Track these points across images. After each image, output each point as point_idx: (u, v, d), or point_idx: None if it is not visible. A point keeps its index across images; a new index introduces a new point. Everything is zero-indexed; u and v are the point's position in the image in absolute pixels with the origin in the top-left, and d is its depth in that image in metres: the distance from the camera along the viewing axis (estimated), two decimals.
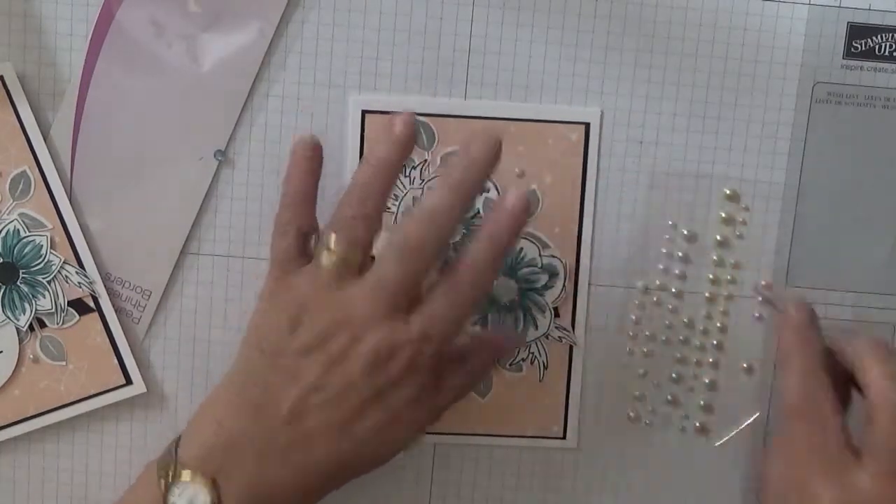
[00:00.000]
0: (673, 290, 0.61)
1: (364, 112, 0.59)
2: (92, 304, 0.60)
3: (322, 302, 0.52)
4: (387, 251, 0.52)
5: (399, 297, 0.52)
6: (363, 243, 0.53)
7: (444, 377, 0.54)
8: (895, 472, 0.49)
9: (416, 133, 0.54)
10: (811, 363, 0.52)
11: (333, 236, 0.53)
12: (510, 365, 0.61)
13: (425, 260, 0.52)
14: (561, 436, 0.62)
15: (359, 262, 0.53)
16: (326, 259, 0.53)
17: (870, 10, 0.59)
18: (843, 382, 0.53)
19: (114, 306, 0.60)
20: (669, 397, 0.62)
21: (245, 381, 0.54)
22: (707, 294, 0.61)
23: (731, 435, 0.59)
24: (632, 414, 0.61)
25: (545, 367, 0.61)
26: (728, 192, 0.60)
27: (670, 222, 0.60)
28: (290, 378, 0.52)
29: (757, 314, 0.61)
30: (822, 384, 0.52)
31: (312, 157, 0.55)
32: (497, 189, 0.59)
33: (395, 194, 0.59)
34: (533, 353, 0.61)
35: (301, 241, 0.55)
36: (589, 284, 0.60)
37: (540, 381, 0.61)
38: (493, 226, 0.52)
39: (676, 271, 0.61)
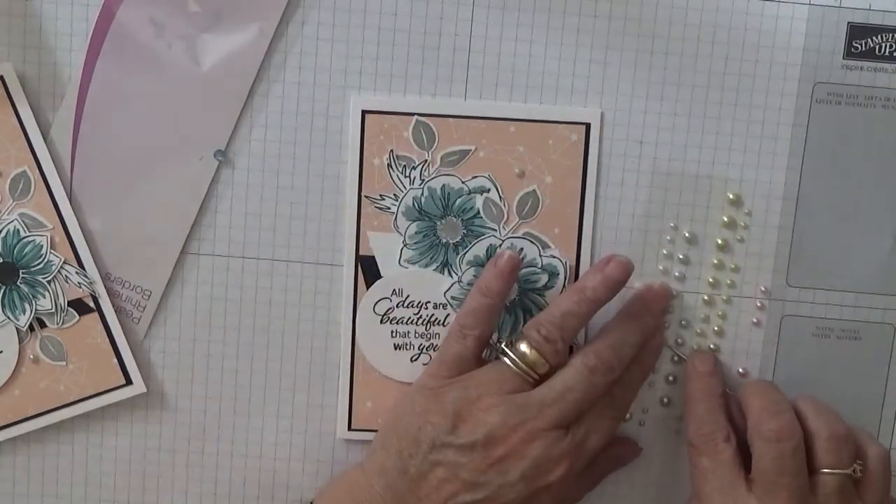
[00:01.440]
0: (671, 291, 0.61)
1: (364, 112, 0.59)
2: (92, 304, 0.60)
3: (495, 402, 0.56)
4: (574, 368, 0.56)
5: (570, 413, 0.56)
6: (551, 361, 0.56)
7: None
8: (774, 493, 0.55)
9: (626, 278, 0.57)
10: (710, 403, 0.58)
11: (527, 347, 0.56)
12: None
13: (606, 383, 0.56)
14: None
15: (540, 377, 0.57)
16: (515, 362, 0.56)
17: (870, 10, 0.59)
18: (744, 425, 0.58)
19: (114, 306, 0.60)
20: (665, 399, 0.62)
21: (392, 475, 0.56)
22: (705, 297, 0.61)
23: None
24: (627, 415, 0.61)
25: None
26: (731, 196, 0.60)
27: (672, 224, 0.60)
28: (449, 471, 0.55)
29: (755, 319, 0.61)
30: (717, 421, 0.57)
31: (516, 269, 0.58)
32: (497, 189, 0.59)
33: (394, 194, 0.59)
34: None
35: (477, 349, 0.58)
36: None
37: None
38: (645, 356, 0.59)
39: (676, 273, 0.61)
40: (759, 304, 0.61)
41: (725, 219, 0.60)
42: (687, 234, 0.60)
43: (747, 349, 0.61)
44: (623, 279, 0.57)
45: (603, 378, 0.56)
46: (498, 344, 0.58)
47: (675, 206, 0.60)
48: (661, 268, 0.61)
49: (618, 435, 0.61)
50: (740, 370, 0.61)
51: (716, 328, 0.61)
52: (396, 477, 0.56)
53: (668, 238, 0.60)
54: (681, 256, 0.60)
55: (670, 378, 0.61)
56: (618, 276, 0.57)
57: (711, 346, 0.61)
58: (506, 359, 0.57)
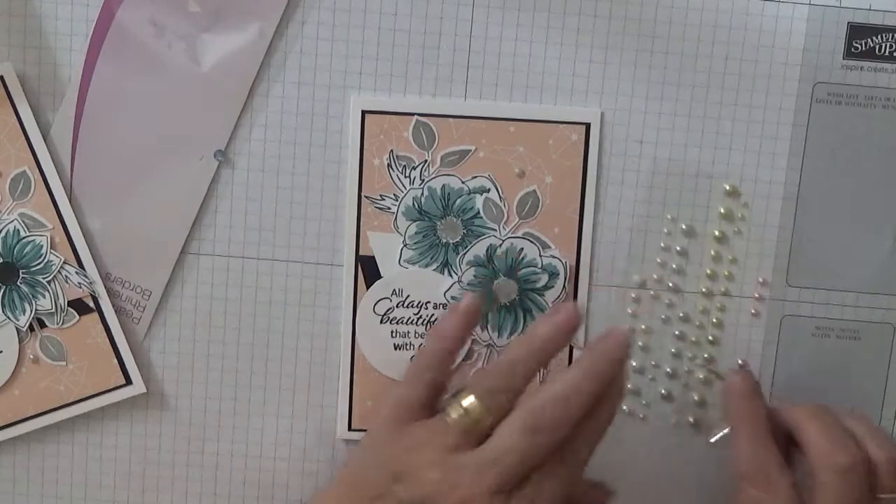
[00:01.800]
0: (670, 284, 0.61)
1: (364, 112, 0.59)
2: (92, 304, 0.60)
3: (435, 461, 0.51)
4: (513, 427, 0.51)
5: (511, 477, 0.51)
6: (497, 414, 0.52)
7: None
8: None
9: (579, 326, 0.54)
10: (758, 429, 0.56)
11: (473, 399, 0.52)
12: None
13: (551, 443, 0.51)
14: None
15: (486, 431, 0.52)
16: (458, 419, 0.52)
17: (870, 10, 0.59)
18: (784, 442, 0.56)
19: (114, 306, 0.60)
20: (664, 392, 0.62)
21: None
22: (704, 289, 0.61)
23: (724, 431, 0.59)
24: (626, 409, 0.61)
25: (545, 368, 0.61)
26: (728, 187, 0.60)
27: (669, 216, 0.60)
28: None
29: (753, 311, 0.61)
30: (769, 449, 0.55)
31: (476, 314, 0.56)
32: (497, 189, 0.59)
33: (394, 195, 0.59)
34: None
35: (428, 396, 0.54)
36: (589, 285, 0.61)
37: (541, 381, 0.61)
38: (592, 422, 0.52)
39: (674, 265, 0.61)
40: (757, 296, 0.61)
41: (722, 210, 0.60)
42: (685, 228, 0.60)
43: (747, 348, 0.61)
44: (574, 327, 0.53)
45: (546, 438, 0.51)
46: (443, 396, 0.54)
47: (674, 200, 0.60)
48: (658, 261, 0.61)
49: (587, 480, 0.57)
50: (739, 361, 0.61)
51: (715, 320, 0.61)
52: None
53: (666, 231, 0.60)
54: (678, 249, 0.60)
55: (669, 371, 0.61)
56: (567, 325, 0.53)
57: (710, 338, 0.61)
58: (450, 410, 0.52)
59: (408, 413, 0.54)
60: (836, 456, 0.53)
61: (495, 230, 0.60)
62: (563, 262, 0.60)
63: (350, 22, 0.59)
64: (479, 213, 0.60)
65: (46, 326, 0.60)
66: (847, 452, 0.54)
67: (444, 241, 0.60)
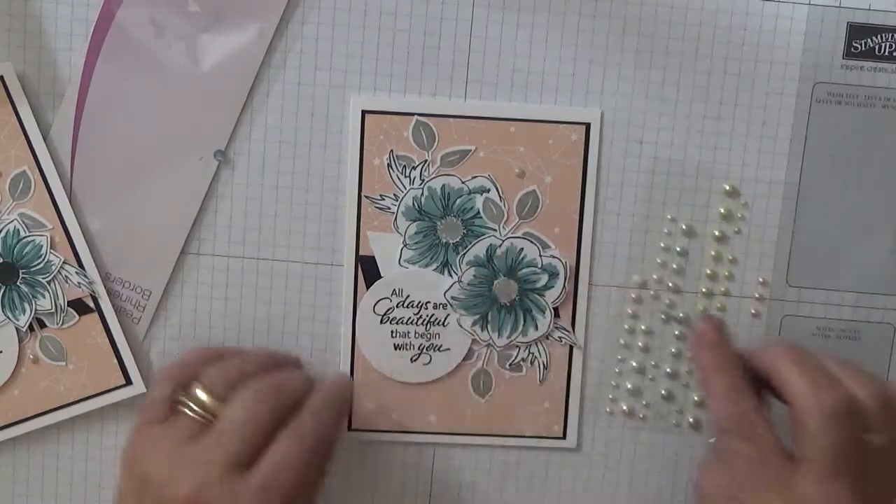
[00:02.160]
0: (670, 284, 0.61)
1: (364, 112, 0.59)
2: (92, 304, 0.60)
3: (170, 456, 0.51)
4: (235, 402, 0.52)
5: (239, 448, 0.50)
6: (222, 394, 0.53)
7: None
8: (833, 472, 0.49)
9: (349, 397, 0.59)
10: (733, 379, 0.54)
11: (199, 388, 0.53)
12: (510, 365, 0.61)
13: (271, 409, 0.52)
14: (561, 436, 0.62)
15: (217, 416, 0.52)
16: (188, 411, 0.52)
17: (870, 10, 0.59)
18: (761, 389, 0.54)
19: (114, 306, 0.60)
20: (664, 392, 0.62)
21: None
22: (704, 290, 0.61)
23: None
24: (625, 408, 0.62)
25: (545, 368, 0.61)
26: (728, 187, 0.60)
27: (669, 216, 0.60)
28: None
29: (753, 311, 0.61)
30: (748, 399, 0.53)
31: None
32: (497, 189, 0.59)
33: (394, 194, 0.59)
34: (533, 354, 0.61)
35: (175, 397, 0.54)
36: (589, 285, 0.61)
37: (540, 381, 0.61)
38: (320, 393, 0.54)
39: (674, 265, 0.61)
40: (757, 296, 0.61)
41: (722, 210, 0.60)
42: (685, 227, 0.60)
43: (746, 340, 0.61)
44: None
45: (266, 405, 0.52)
46: (174, 393, 0.54)
47: (674, 200, 0.60)
48: (658, 261, 0.61)
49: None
50: (700, 308, 0.61)
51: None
52: None
53: (666, 231, 0.60)
54: (678, 249, 0.60)
55: (669, 371, 0.61)
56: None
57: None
58: (181, 406, 0.53)
59: (154, 415, 0.53)
60: (822, 399, 0.50)
61: (495, 230, 0.60)
62: (563, 262, 0.60)
63: (350, 22, 0.59)
64: (479, 213, 0.60)
65: (46, 326, 0.60)
66: (833, 394, 0.50)
67: (444, 241, 0.60)
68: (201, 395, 0.53)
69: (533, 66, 0.59)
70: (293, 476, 0.50)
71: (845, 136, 0.60)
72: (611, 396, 0.62)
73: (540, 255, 0.60)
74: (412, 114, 0.59)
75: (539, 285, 0.60)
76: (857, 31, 0.59)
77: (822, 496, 0.49)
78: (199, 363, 0.55)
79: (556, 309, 0.60)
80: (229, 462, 0.50)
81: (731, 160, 0.60)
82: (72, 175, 0.59)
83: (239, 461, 0.50)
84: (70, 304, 0.60)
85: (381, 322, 0.61)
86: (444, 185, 0.59)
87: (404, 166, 0.59)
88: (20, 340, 0.60)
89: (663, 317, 0.61)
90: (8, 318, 0.59)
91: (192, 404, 0.53)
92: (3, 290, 0.59)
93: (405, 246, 0.60)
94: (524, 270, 0.60)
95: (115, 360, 0.60)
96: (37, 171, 0.59)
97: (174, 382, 0.54)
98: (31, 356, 0.60)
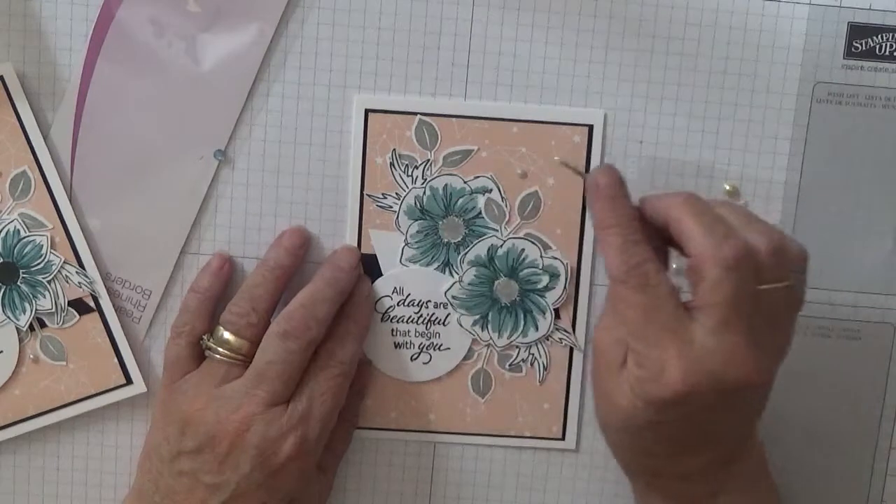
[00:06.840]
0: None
1: (367, 111, 0.59)
2: (92, 304, 0.60)
3: (208, 400, 0.55)
4: (268, 339, 0.56)
5: (279, 386, 0.55)
6: (251, 336, 0.56)
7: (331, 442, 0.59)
8: (729, 321, 0.49)
9: (307, 243, 0.60)
10: (628, 231, 0.51)
11: (222, 330, 0.57)
12: (510, 366, 0.61)
13: (303, 346, 0.55)
14: (560, 437, 0.62)
15: (245, 356, 0.56)
16: (218, 350, 0.57)
17: (870, 10, 0.59)
18: (658, 240, 0.53)
19: (114, 306, 0.60)
20: None
21: (148, 496, 0.56)
22: None
23: None
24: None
25: (545, 369, 0.61)
26: (728, 187, 0.60)
27: None
28: (192, 479, 0.55)
29: None
30: (643, 251, 0.51)
31: (225, 269, 0.59)
32: (499, 189, 0.59)
33: (396, 193, 0.59)
34: (533, 355, 0.61)
35: (192, 348, 0.58)
36: (590, 286, 0.61)
37: (540, 382, 0.61)
38: (353, 309, 0.59)
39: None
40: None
41: None
42: None
43: None
44: (300, 243, 0.59)
45: (298, 341, 0.55)
46: (202, 340, 0.58)
47: None
48: None
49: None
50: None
51: None
52: (152, 496, 0.56)
53: None
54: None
55: None
56: (293, 243, 0.59)
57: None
58: (209, 351, 0.57)
59: (179, 369, 0.58)
60: (721, 249, 0.49)
61: (497, 230, 0.60)
62: (565, 263, 0.60)
63: (350, 22, 0.59)
64: (480, 213, 0.60)
65: (46, 326, 0.60)
66: (731, 245, 0.49)
67: (446, 240, 0.60)
68: (228, 336, 0.56)
69: (533, 66, 0.59)
70: (329, 403, 0.56)
71: (845, 136, 0.60)
72: None
73: (541, 256, 0.60)
74: (415, 113, 0.59)
75: (540, 286, 0.60)
76: (857, 31, 0.59)
77: (718, 344, 0.49)
78: (201, 303, 0.58)
79: (556, 310, 0.60)
80: (271, 399, 0.55)
81: (731, 160, 0.60)
82: (72, 175, 0.59)
83: (279, 399, 0.55)
84: (70, 303, 0.59)
85: (382, 320, 0.61)
86: (446, 185, 0.59)
87: (407, 165, 0.59)
88: (20, 340, 0.60)
89: None
90: (8, 317, 0.59)
91: (220, 348, 0.56)
92: (3, 290, 0.59)
93: (406, 245, 0.60)
94: (525, 271, 0.60)
95: (116, 360, 0.60)
96: (37, 170, 0.58)
97: (187, 335, 0.58)
98: (32, 356, 0.60)
